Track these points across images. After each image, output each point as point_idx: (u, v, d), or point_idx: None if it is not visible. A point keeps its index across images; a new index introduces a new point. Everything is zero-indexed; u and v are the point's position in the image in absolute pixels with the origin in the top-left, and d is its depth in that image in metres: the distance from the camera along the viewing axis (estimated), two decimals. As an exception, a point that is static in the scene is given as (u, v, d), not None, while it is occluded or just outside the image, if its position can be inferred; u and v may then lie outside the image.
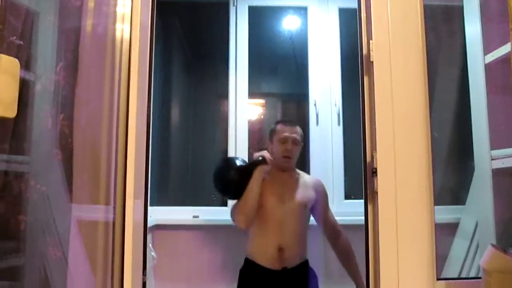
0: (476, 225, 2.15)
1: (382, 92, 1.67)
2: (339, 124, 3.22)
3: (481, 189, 2.10)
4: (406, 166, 1.65)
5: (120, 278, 1.68)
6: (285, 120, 2.56)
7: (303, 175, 2.54)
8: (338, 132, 3.22)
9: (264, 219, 2.37)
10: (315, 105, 3.24)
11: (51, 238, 1.63)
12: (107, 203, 1.77)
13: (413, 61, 1.68)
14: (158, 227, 3.03)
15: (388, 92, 1.67)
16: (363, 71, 1.74)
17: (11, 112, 1.14)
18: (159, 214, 3.10)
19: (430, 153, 1.66)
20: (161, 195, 3.29)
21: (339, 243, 2.47)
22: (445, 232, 2.19)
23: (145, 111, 1.86)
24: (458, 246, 2.19)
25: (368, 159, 1.71)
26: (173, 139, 3.47)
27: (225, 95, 3.29)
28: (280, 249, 2.33)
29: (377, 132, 1.66)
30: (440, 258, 1.71)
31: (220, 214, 3.14)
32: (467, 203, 2.27)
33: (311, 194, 2.47)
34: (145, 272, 1.84)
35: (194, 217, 3.11)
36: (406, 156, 1.65)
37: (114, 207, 1.76)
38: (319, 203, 2.49)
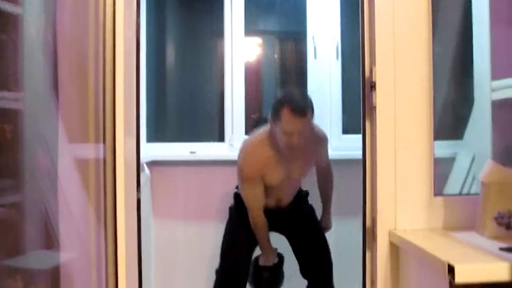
0: (473, 160, 2.13)
1: (382, 2, 1.60)
2: (337, 58, 3.14)
3: (480, 122, 2.06)
4: (406, 80, 1.62)
5: (113, 214, 1.68)
6: (294, 105, 2.10)
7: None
8: (336, 66, 3.15)
9: (268, 185, 2.35)
10: (313, 38, 3.14)
11: (44, 174, 1.63)
12: (99, 142, 1.74)
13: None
14: (155, 163, 3.03)
15: (389, 2, 1.60)
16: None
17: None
18: (156, 150, 3.09)
19: (431, 67, 1.61)
20: (157, 132, 3.28)
21: (326, 180, 2.58)
22: (440, 167, 2.17)
23: (133, 39, 1.79)
24: (454, 181, 2.18)
25: (367, 73, 1.66)
26: (169, 75, 3.42)
27: (221, 33, 3.19)
28: (278, 200, 2.43)
29: (376, 45, 1.60)
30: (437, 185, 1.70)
31: (217, 149, 3.13)
32: (464, 137, 2.24)
33: (313, 159, 2.47)
34: (139, 188, 1.83)
35: (191, 153, 3.10)
36: (406, 70, 1.62)
37: (106, 145, 1.73)
38: (319, 158, 2.51)
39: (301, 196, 2.55)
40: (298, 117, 2.08)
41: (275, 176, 2.31)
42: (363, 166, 1.69)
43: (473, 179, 2.11)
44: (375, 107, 1.62)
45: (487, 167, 1.52)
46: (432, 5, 1.63)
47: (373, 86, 1.63)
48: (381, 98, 1.62)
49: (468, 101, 2.18)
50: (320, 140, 2.46)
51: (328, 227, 2.54)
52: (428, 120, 1.63)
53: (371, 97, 1.65)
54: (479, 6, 2.03)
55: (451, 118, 2.27)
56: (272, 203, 2.41)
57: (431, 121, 1.63)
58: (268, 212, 2.39)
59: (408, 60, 1.62)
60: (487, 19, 1.98)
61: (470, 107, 2.18)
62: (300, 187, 2.55)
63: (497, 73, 1.95)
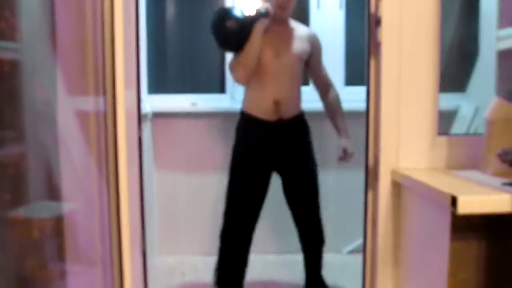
0: (476, 112, 2.12)
1: None
2: (341, 7, 3.07)
3: (485, 73, 2.03)
4: (412, 15, 1.58)
5: (114, 165, 1.68)
6: None
7: (298, 27, 2.47)
8: (339, 16, 3.09)
9: (260, 72, 2.34)
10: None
11: (45, 126, 1.63)
12: (99, 94, 1.74)
13: None
14: (156, 115, 3.03)
15: None
16: None
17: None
18: (157, 102, 3.08)
19: (439, 2, 1.57)
20: (158, 83, 3.25)
21: (329, 96, 2.53)
22: (443, 119, 2.17)
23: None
24: (457, 131, 2.18)
25: (372, 9, 1.63)
26: (169, 26, 3.36)
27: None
28: (276, 102, 2.35)
29: None
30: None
31: (219, 101, 3.12)
32: (468, 89, 2.21)
33: (306, 47, 2.44)
34: (140, 128, 1.86)
35: (193, 104, 3.09)
36: (413, 4, 1.58)
37: (106, 97, 1.73)
38: (313, 56, 2.48)
39: (304, 122, 2.49)
40: None
41: (265, 43, 2.32)
42: (367, 104, 1.68)
43: (476, 129, 2.10)
44: (380, 44, 1.59)
45: (493, 104, 1.51)
46: None
47: (378, 22, 1.59)
48: (387, 34, 1.58)
49: (473, 51, 2.15)
50: (310, 34, 2.49)
51: (349, 153, 2.41)
52: (433, 57, 1.60)
53: (376, 33, 1.62)
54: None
55: (455, 70, 2.24)
56: (269, 105, 2.35)
57: (437, 58, 1.60)
58: (268, 125, 2.37)
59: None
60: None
61: (475, 58, 2.15)
62: (302, 113, 2.48)
63: (504, 22, 1.91)
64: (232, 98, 3.12)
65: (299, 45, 2.40)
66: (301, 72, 2.45)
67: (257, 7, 2.30)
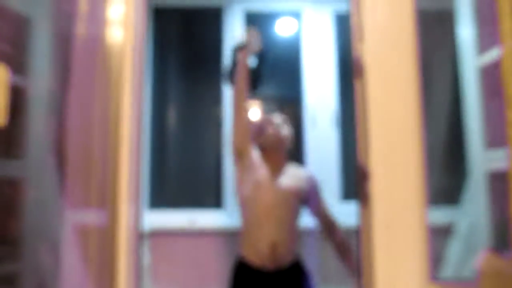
0: (471, 226, 2.14)
1: (374, 96, 1.67)
2: (335, 126, 3.22)
3: (476, 190, 2.09)
4: (399, 168, 1.65)
5: (112, 282, 1.67)
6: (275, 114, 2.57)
7: (296, 167, 2.49)
8: (335, 135, 3.22)
9: (257, 210, 2.30)
10: (310, 108, 3.23)
11: (45, 243, 1.64)
12: (100, 208, 1.77)
13: (404, 63, 1.68)
14: (154, 232, 3.03)
15: (380, 96, 1.67)
16: (355, 75, 1.74)
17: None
18: (155, 219, 3.09)
19: (423, 155, 1.65)
20: (157, 198, 3.28)
21: (336, 234, 2.45)
22: (438, 234, 2.18)
23: (137, 116, 1.86)
24: (452, 248, 2.18)
25: (361, 162, 1.71)
26: (168, 142, 3.47)
27: (221, 100, 3.29)
28: (273, 245, 2.26)
29: (369, 137, 1.66)
30: (434, 260, 1.71)
31: (216, 217, 3.13)
32: (461, 204, 2.25)
33: (303, 185, 2.42)
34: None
35: (190, 221, 3.09)
36: (399, 159, 1.65)
37: (107, 212, 1.76)
38: (314, 195, 2.46)
39: (303, 270, 2.39)
40: (279, 116, 2.50)
41: (261, 171, 2.37)
42: (358, 258, 1.71)
43: (472, 248, 2.11)
44: (369, 194, 1.66)
45: (482, 256, 1.54)
46: (422, 89, 1.70)
47: (365, 176, 1.67)
48: (375, 187, 1.65)
49: (464, 171, 2.21)
50: (307, 174, 2.49)
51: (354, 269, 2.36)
52: (421, 205, 1.65)
53: (365, 185, 1.68)
54: (469, 82, 2.12)
55: (447, 188, 2.29)
56: (266, 249, 2.26)
57: (425, 206, 1.65)
58: (265, 277, 2.28)
59: (400, 147, 1.67)
60: (478, 94, 2.05)
61: (466, 177, 2.21)
62: (301, 261, 2.41)
63: (491, 143, 1.99)
64: (229, 214, 3.14)
65: (295, 181, 2.41)
66: (298, 212, 2.41)
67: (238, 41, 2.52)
